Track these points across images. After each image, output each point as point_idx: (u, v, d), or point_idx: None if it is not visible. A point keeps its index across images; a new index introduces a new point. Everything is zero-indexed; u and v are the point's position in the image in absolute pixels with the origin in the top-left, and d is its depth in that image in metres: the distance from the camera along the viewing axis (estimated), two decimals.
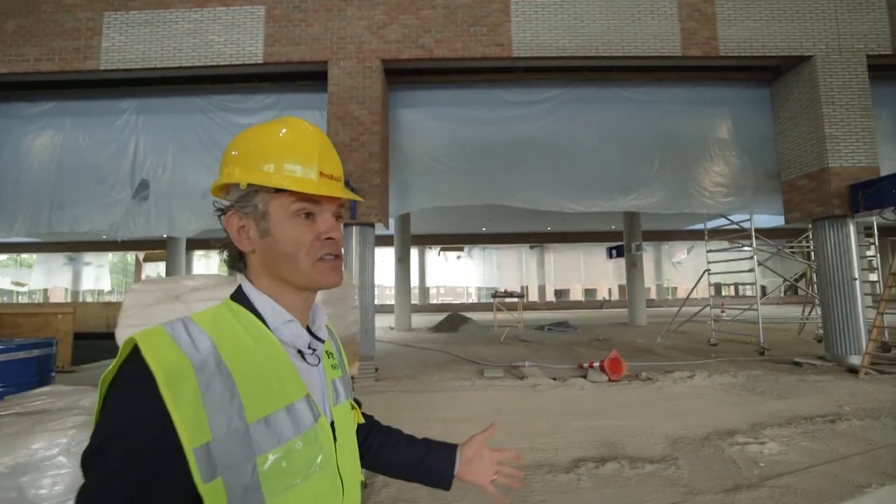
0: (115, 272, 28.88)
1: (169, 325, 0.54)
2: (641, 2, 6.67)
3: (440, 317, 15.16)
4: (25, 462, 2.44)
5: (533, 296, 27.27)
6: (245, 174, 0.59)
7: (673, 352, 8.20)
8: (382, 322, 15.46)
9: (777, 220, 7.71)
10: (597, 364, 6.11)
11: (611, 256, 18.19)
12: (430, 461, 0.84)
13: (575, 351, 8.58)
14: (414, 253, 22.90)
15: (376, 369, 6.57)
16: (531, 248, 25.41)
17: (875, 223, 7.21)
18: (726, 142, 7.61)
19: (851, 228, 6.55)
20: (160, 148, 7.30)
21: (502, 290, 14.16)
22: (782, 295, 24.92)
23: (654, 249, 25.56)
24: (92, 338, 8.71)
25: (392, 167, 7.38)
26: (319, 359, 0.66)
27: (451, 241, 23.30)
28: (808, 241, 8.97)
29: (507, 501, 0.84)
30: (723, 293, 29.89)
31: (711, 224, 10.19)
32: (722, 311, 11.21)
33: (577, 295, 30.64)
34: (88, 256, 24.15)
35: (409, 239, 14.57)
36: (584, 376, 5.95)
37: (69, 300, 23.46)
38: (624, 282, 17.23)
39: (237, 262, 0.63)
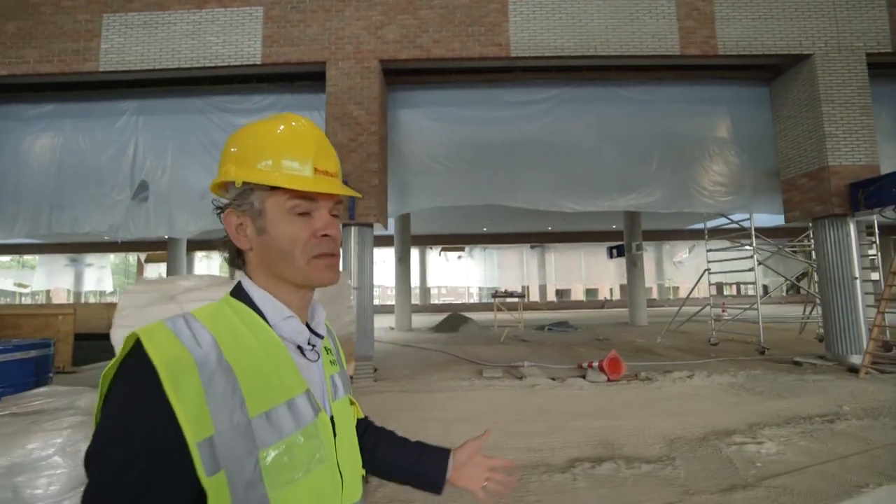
0: (116, 273, 28.98)
1: (170, 320, 0.54)
2: (639, 1, 6.66)
3: (441, 317, 15.16)
4: (21, 462, 2.45)
5: (534, 296, 27.24)
6: (240, 172, 0.59)
7: (673, 351, 8.18)
8: (383, 322, 15.48)
9: (778, 219, 7.68)
10: (596, 364, 6.10)
11: (611, 256, 18.15)
12: (424, 464, 0.84)
13: (575, 351, 8.57)
14: (415, 253, 22.91)
15: (375, 369, 6.57)
16: (532, 247, 25.39)
17: (876, 222, 7.18)
18: (725, 141, 7.59)
19: (851, 227, 6.52)
20: (159, 149, 7.32)
21: (502, 290, 14.13)
22: (784, 294, 24.84)
23: (656, 249, 25.52)
24: (92, 339, 8.73)
25: (391, 167, 7.38)
26: (319, 354, 0.66)
27: (452, 241, 23.30)
28: (808, 240, 8.94)
29: None
30: (724, 293, 29.81)
31: (712, 223, 10.16)
32: (723, 311, 11.18)
33: (578, 295, 30.60)
34: (90, 258, 24.25)
35: (410, 239, 14.58)
36: (583, 376, 5.94)
37: (71, 301, 23.55)
38: (625, 281, 17.21)
39: (236, 259, 0.64)
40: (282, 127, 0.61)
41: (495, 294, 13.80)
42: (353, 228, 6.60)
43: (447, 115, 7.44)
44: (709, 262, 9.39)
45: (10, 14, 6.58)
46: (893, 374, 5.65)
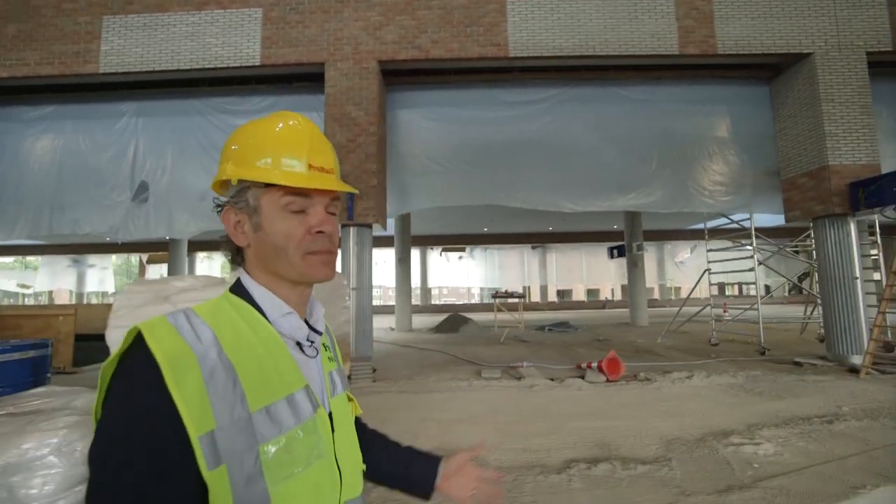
0: (118, 274, 29.09)
1: (171, 315, 0.54)
2: (638, 1, 6.65)
3: (442, 317, 15.15)
4: (16, 462, 2.46)
5: (535, 296, 27.22)
6: (237, 170, 0.59)
7: (673, 352, 8.15)
8: (384, 323, 15.48)
9: (778, 219, 7.65)
10: (595, 364, 6.08)
11: (612, 256, 18.12)
12: (414, 469, 0.84)
13: (575, 351, 8.55)
14: (416, 254, 22.92)
15: (374, 370, 6.56)
16: (533, 248, 25.36)
17: (877, 222, 7.14)
18: (725, 140, 7.56)
19: (852, 227, 6.49)
20: (159, 150, 7.35)
21: (503, 291, 14.12)
22: (786, 294, 24.74)
23: (657, 249, 25.45)
24: (93, 339, 8.77)
25: (390, 168, 7.39)
26: (317, 351, 0.66)
27: (453, 241, 23.29)
28: (809, 240, 8.90)
29: None
30: (727, 293, 29.71)
31: (712, 223, 10.13)
32: (724, 311, 11.14)
33: (579, 295, 30.56)
34: (92, 259, 24.36)
35: (410, 240, 14.58)
36: (582, 377, 5.92)
37: (74, 302, 23.66)
38: (626, 282, 17.18)
39: (236, 256, 0.64)
40: (279, 125, 0.61)
41: (495, 294, 13.79)
42: (351, 229, 6.61)
43: (446, 116, 7.44)
44: (709, 262, 9.36)
45: (10, 16, 6.62)
46: (894, 375, 5.61)
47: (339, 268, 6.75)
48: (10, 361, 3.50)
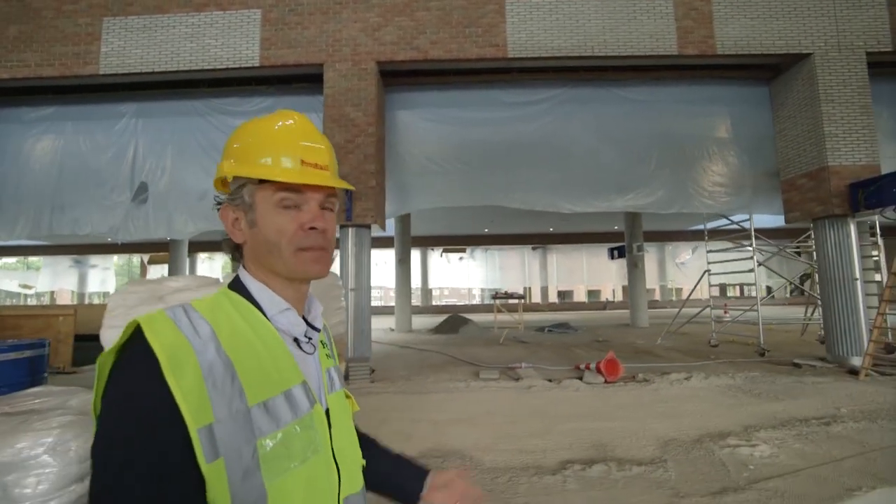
0: (120, 275, 29.18)
1: (170, 310, 0.54)
2: (637, 1, 6.65)
3: (442, 318, 15.15)
4: (10, 461, 2.46)
5: (536, 297, 27.19)
6: (232, 167, 0.60)
7: (672, 353, 8.13)
8: (384, 324, 15.49)
9: (779, 220, 7.62)
10: (593, 365, 6.07)
11: (612, 257, 18.09)
12: (402, 477, 0.84)
13: (574, 352, 8.53)
14: (416, 255, 22.93)
15: (372, 370, 6.56)
16: (533, 249, 25.34)
17: (877, 223, 7.12)
18: (725, 141, 7.55)
19: (852, 228, 6.47)
20: (159, 151, 7.37)
21: (502, 292, 14.11)
22: (788, 296, 24.66)
23: (658, 250, 25.40)
24: (93, 339, 8.79)
25: (389, 169, 7.40)
26: (315, 347, 0.66)
27: (454, 242, 23.29)
28: (810, 241, 8.87)
29: None
30: (728, 294, 29.62)
31: (712, 224, 10.10)
32: (725, 312, 11.10)
33: (580, 296, 30.52)
34: (94, 259, 24.44)
35: (410, 240, 14.59)
36: (580, 378, 5.91)
37: (75, 302, 23.73)
38: (627, 283, 17.14)
39: (235, 253, 0.65)
40: (277, 123, 0.62)
41: (495, 295, 13.78)
42: (350, 230, 6.62)
43: (445, 116, 7.44)
44: (709, 263, 9.34)
45: (11, 18, 6.65)
46: (894, 377, 5.58)
47: (337, 268, 6.76)
48: (6, 361, 3.52)
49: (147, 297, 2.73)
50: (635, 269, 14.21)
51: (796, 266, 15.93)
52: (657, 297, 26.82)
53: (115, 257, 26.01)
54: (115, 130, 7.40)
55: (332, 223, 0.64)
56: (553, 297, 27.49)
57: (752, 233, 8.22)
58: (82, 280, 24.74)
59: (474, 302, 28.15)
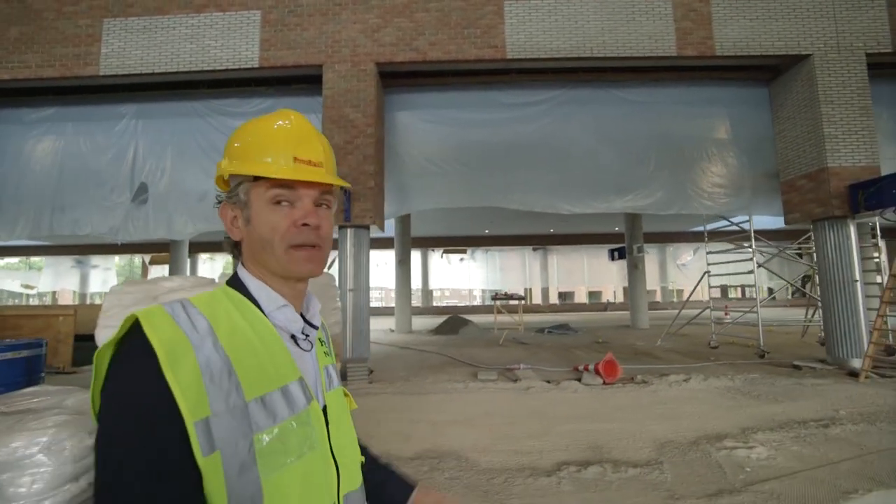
0: (121, 275, 29.25)
1: (168, 305, 0.55)
2: (636, 2, 6.65)
3: (443, 319, 15.14)
4: (4, 460, 2.47)
5: (536, 298, 27.16)
6: (228, 165, 0.62)
7: (672, 355, 8.11)
8: (385, 324, 15.49)
9: (779, 221, 7.60)
10: (591, 367, 6.05)
11: (613, 258, 18.06)
12: (388, 489, 0.83)
13: (573, 354, 8.52)
14: (417, 256, 22.93)
15: (371, 371, 6.56)
16: (534, 250, 25.31)
17: (878, 224, 7.09)
18: (724, 142, 7.53)
19: (852, 229, 6.44)
20: (159, 152, 7.40)
21: (502, 293, 14.10)
22: (790, 297, 24.58)
23: (659, 251, 25.35)
24: (93, 339, 8.81)
25: (388, 169, 7.40)
26: (312, 344, 0.66)
27: (454, 243, 23.28)
28: (811, 242, 8.84)
29: None
30: (729, 295, 29.53)
31: (712, 226, 10.07)
32: (726, 314, 11.06)
33: (581, 297, 30.47)
34: (95, 259, 24.49)
35: (410, 241, 14.60)
36: (579, 379, 5.90)
37: (77, 302, 23.79)
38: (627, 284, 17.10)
39: (234, 250, 0.66)
40: (273, 122, 0.63)
41: (495, 296, 13.77)
42: (349, 230, 6.62)
43: (444, 118, 7.45)
44: (709, 264, 9.32)
45: (12, 19, 6.69)
46: (894, 379, 5.56)
47: (336, 269, 6.76)
48: (2, 361, 3.53)
49: (142, 298, 2.74)
50: (635, 270, 14.19)
51: (797, 267, 15.87)
52: (658, 298, 26.77)
53: (117, 258, 26.09)
54: (115, 131, 7.42)
55: (328, 221, 0.64)
56: (554, 299, 27.45)
57: (752, 234, 8.20)
58: (84, 280, 24.81)
59: (475, 303, 28.09)
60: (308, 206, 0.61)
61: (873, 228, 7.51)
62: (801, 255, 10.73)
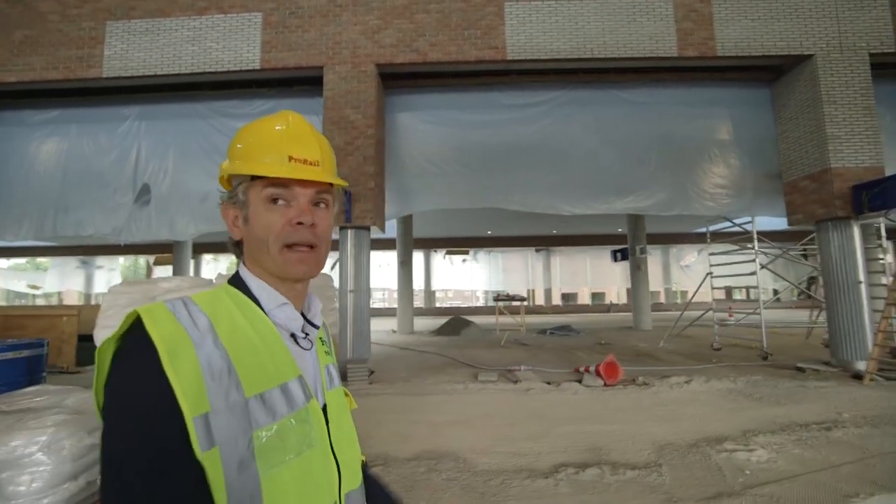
0: (126, 276, 29.43)
1: (169, 302, 0.55)
2: (636, 3, 6.63)
3: (445, 320, 15.13)
4: (4, 459, 2.49)
5: (539, 299, 27.08)
6: (228, 165, 0.63)
7: (674, 356, 8.07)
8: (388, 325, 15.51)
9: (783, 223, 7.54)
10: (592, 368, 6.03)
11: (615, 259, 18.00)
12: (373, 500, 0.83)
13: (574, 355, 8.48)
14: (419, 257, 22.94)
15: (371, 372, 6.56)
16: (537, 251, 25.25)
17: (883, 225, 7.01)
18: (726, 143, 7.49)
19: (855, 230, 6.39)
20: (161, 153, 7.45)
21: (504, 294, 14.08)
22: (795, 299, 24.37)
23: (663, 253, 25.24)
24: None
25: (389, 170, 7.41)
26: (312, 343, 0.67)
27: (457, 244, 23.27)
28: (814, 243, 8.75)
29: None
30: (734, 297, 29.33)
31: (715, 227, 10.01)
32: (730, 316, 10.98)
33: (584, 299, 30.35)
34: (100, 260, 24.68)
35: (412, 242, 14.61)
36: (580, 381, 5.88)
37: (82, 303, 23.96)
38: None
39: (236, 250, 0.67)
40: (272, 122, 0.64)
41: (497, 297, 13.75)
42: (349, 231, 6.64)
43: (444, 119, 7.46)
44: (711, 265, 9.26)
45: (18, 22, 6.76)
46: None
47: (333, 269, 6.77)
48: (3, 361, 3.57)
49: (139, 298, 2.76)
50: (638, 271, 14.13)
51: (803, 269, 15.73)
52: (662, 299, 26.62)
53: (122, 259, 26.27)
54: (118, 133, 7.48)
55: (325, 220, 0.64)
56: (556, 300, 27.35)
57: (755, 235, 8.14)
58: (89, 281, 25.00)
59: (478, 304, 28.06)
60: (303, 204, 0.61)
61: (878, 230, 7.43)
62: (805, 257, 10.63)
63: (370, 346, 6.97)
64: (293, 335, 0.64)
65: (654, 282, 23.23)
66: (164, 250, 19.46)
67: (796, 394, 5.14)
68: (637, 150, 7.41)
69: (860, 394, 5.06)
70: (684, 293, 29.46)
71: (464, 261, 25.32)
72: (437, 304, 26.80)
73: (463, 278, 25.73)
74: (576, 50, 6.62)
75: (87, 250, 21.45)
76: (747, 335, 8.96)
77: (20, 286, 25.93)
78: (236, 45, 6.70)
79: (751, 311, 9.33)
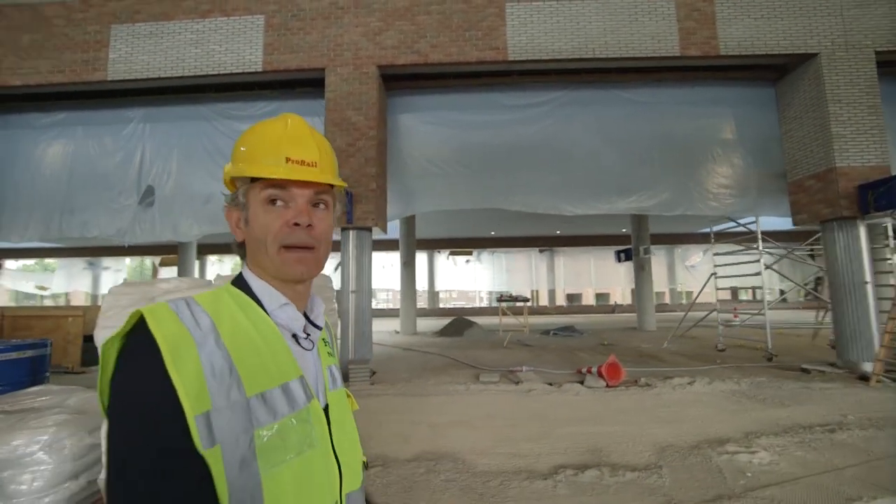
0: (133, 277, 29.67)
1: (173, 302, 0.56)
2: (638, 2, 6.60)
3: (448, 321, 15.12)
4: (6, 458, 2.52)
5: (543, 300, 26.99)
6: (229, 168, 0.64)
7: (678, 357, 8.01)
8: (392, 326, 15.52)
9: (789, 222, 7.47)
10: (594, 369, 6.00)
11: (619, 260, 17.90)
12: None
13: (577, 356, 8.45)
14: (423, 257, 22.95)
15: (373, 373, 6.58)
16: (540, 251, 25.17)
17: (890, 225, 6.92)
18: (729, 142, 7.43)
19: (861, 230, 6.31)
20: (165, 155, 7.51)
21: (507, 295, 14.06)
22: (802, 299, 24.12)
23: (667, 253, 25.07)
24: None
25: (391, 171, 7.43)
26: (314, 344, 0.67)
27: (460, 245, 23.26)
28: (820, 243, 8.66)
29: None
30: (740, 297, 29.07)
31: (719, 227, 9.94)
32: (735, 316, 10.89)
33: (588, 299, 30.21)
34: (107, 261, 24.91)
35: (415, 243, 14.62)
36: (582, 382, 5.85)
37: (89, 303, 24.20)
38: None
39: (241, 251, 0.67)
40: (272, 124, 0.64)
41: (500, 298, 13.72)
42: (351, 232, 6.65)
43: (446, 119, 7.47)
44: (715, 266, 9.19)
45: (24, 27, 6.84)
46: None
47: (333, 270, 6.78)
48: (7, 361, 3.61)
49: (139, 299, 2.78)
50: (642, 271, 14.06)
51: (810, 269, 15.57)
52: (667, 300, 26.45)
53: (128, 260, 26.50)
54: (122, 135, 7.56)
55: (323, 221, 0.64)
56: (561, 301, 27.23)
57: (759, 235, 8.07)
58: (96, 282, 25.23)
59: (482, 304, 28.01)
60: (301, 205, 0.62)
61: (886, 229, 7.34)
62: (813, 257, 10.51)
63: (372, 347, 6.98)
64: (295, 336, 0.64)
65: (659, 282, 23.10)
66: (170, 251, 19.61)
67: (801, 395, 5.09)
68: (639, 150, 7.37)
69: (866, 395, 5.00)
70: (689, 294, 29.26)
71: (467, 261, 25.29)
72: (441, 305, 26.78)
73: (467, 279, 25.70)
74: (577, 50, 6.60)
75: (94, 252, 21.67)
76: (752, 336, 8.88)
77: (28, 287, 26.22)
78: (239, 47, 6.75)
79: (756, 311, 9.25)
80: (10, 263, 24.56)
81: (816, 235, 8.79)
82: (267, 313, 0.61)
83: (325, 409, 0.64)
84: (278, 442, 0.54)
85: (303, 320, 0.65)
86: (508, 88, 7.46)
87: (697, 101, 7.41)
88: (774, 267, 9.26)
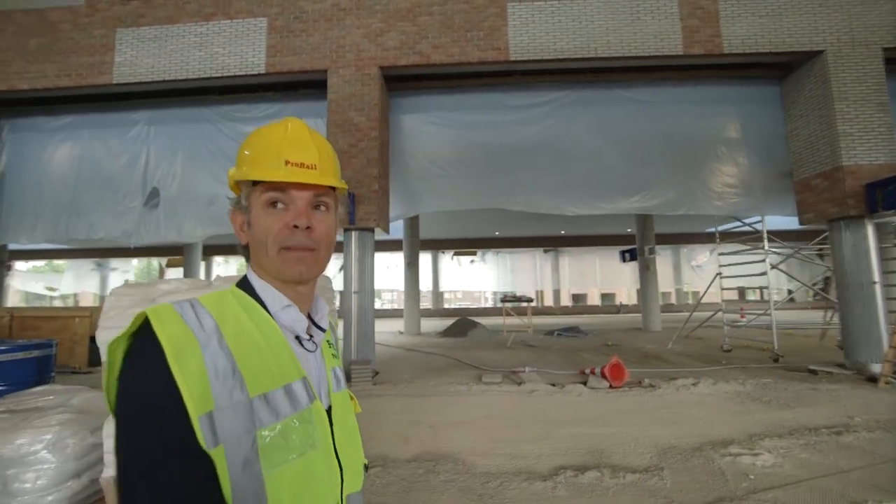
0: (140, 277, 29.98)
1: (177, 304, 0.57)
2: (641, 1, 6.56)
3: (452, 321, 15.11)
4: (10, 457, 2.55)
5: (548, 300, 26.90)
6: (233, 172, 0.65)
7: (683, 358, 7.94)
8: (397, 327, 15.54)
9: (795, 222, 7.38)
10: (598, 370, 5.97)
11: (624, 260, 17.80)
12: None
13: (581, 357, 8.41)
14: (427, 258, 22.97)
15: (376, 373, 6.59)
16: (545, 251, 25.10)
17: None
18: (734, 141, 7.36)
19: (869, 229, 6.22)
20: (170, 157, 7.58)
21: (511, 295, 14.02)
22: (810, 299, 23.83)
23: (673, 253, 24.90)
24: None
25: (394, 172, 7.44)
26: (317, 345, 0.68)
27: (465, 245, 23.25)
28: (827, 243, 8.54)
29: None
30: (748, 297, 28.79)
31: (725, 227, 9.84)
32: (742, 317, 10.77)
33: (594, 299, 30.06)
34: (115, 262, 25.20)
35: (418, 243, 14.64)
36: (584, 382, 5.82)
37: (97, 304, 24.46)
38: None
39: (245, 253, 0.68)
40: (273, 128, 0.65)
41: (504, 298, 13.69)
42: (353, 233, 6.67)
43: (448, 120, 7.47)
44: (721, 266, 9.10)
45: (31, 31, 6.94)
46: None
47: (339, 272, 6.81)
48: (13, 361, 3.67)
49: (139, 300, 2.81)
50: (647, 271, 13.97)
51: (818, 269, 15.38)
52: (673, 300, 26.25)
53: (135, 261, 26.77)
54: (128, 138, 7.64)
55: (324, 223, 0.65)
56: (565, 301, 27.13)
57: (765, 235, 7.98)
58: (103, 283, 25.52)
59: (486, 305, 27.96)
60: (301, 207, 0.62)
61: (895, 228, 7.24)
62: (821, 257, 10.38)
63: (374, 348, 6.99)
64: (298, 337, 0.65)
65: (665, 282, 22.92)
66: (176, 252, 19.78)
67: (807, 397, 5.02)
68: (642, 150, 7.32)
69: (874, 397, 4.93)
70: (695, 293, 29.03)
71: (472, 262, 25.28)
72: (446, 306, 26.78)
73: (471, 279, 25.69)
74: (579, 50, 6.57)
75: (102, 253, 21.92)
76: (759, 337, 8.79)
77: (38, 288, 26.59)
78: (242, 49, 6.80)
79: (762, 311, 9.14)
80: (20, 265, 24.91)
81: (824, 235, 8.68)
82: (270, 315, 0.62)
83: (329, 411, 0.65)
84: (281, 442, 0.55)
85: (305, 322, 0.66)
86: (510, 88, 7.45)
87: (701, 99, 7.35)
88: (781, 267, 9.15)
